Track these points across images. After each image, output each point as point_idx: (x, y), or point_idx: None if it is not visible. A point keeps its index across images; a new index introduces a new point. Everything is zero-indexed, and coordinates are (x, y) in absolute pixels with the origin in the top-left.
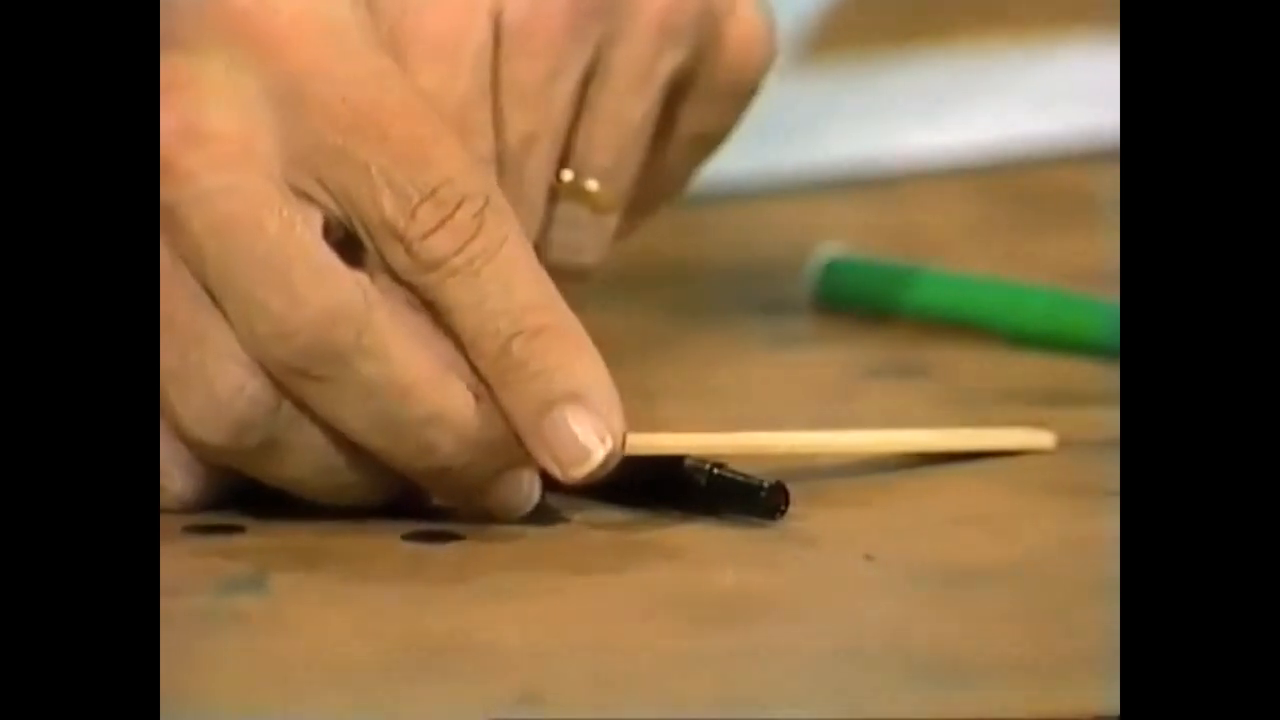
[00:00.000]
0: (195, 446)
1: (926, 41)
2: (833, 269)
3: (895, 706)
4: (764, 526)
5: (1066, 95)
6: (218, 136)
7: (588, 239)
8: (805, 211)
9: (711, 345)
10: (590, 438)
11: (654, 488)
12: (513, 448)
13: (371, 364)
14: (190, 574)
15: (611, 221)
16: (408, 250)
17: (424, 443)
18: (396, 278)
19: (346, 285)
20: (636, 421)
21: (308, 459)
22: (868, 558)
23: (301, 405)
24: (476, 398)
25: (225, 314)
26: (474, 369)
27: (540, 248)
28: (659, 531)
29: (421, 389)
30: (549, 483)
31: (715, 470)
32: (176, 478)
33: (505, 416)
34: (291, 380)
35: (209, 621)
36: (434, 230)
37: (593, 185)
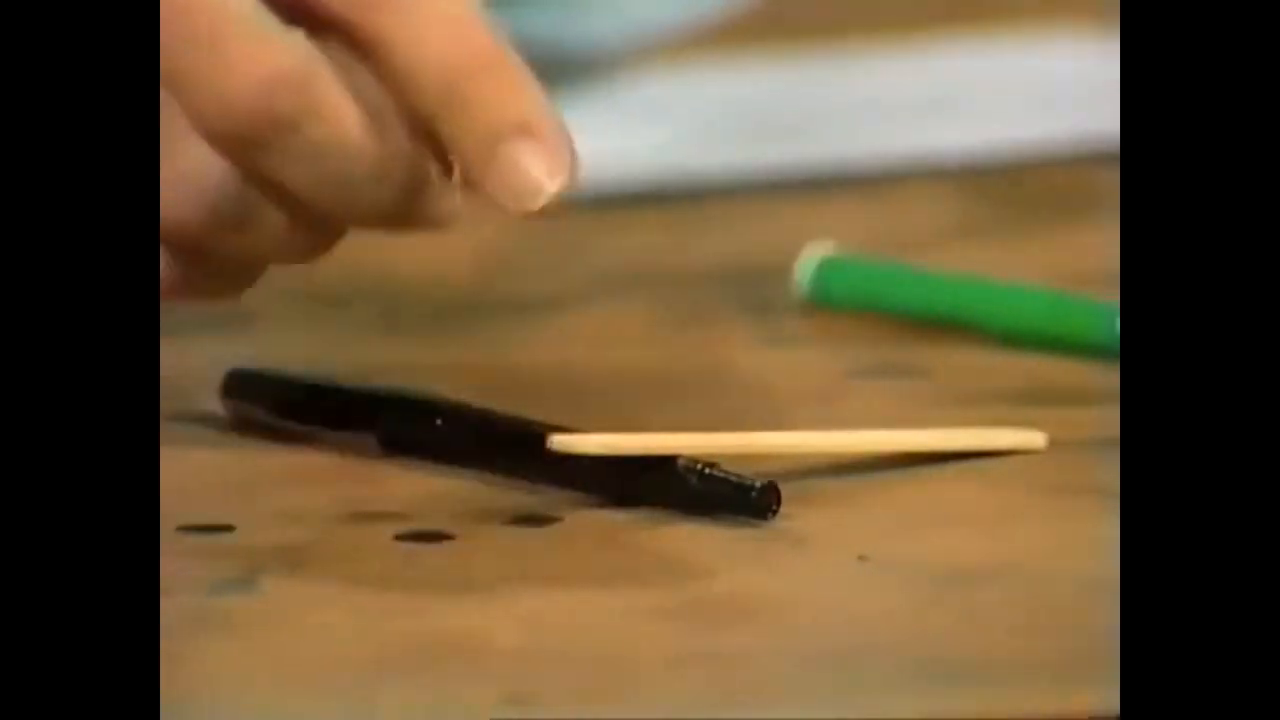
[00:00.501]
0: (171, 229)
1: (919, 40)
2: (823, 268)
3: (890, 707)
4: (756, 527)
5: (1058, 95)
6: None
7: None
8: (796, 211)
9: (702, 345)
10: (542, 170)
11: (646, 488)
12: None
13: (319, 126)
14: (180, 574)
15: None
16: None
17: (372, 196)
18: (332, 23)
19: (287, 49)
20: (627, 422)
21: (277, 230)
22: (860, 558)
23: (254, 175)
24: (414, 137)
25: (174, 97)
26: (411, 107)
27: None
28: (650, 532)
29: (370, 146)
30: (544, 482)
31: (706, 470)
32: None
33: (451, 150)
34: (242, 151)
35: (199, 622)
36: None
37: None
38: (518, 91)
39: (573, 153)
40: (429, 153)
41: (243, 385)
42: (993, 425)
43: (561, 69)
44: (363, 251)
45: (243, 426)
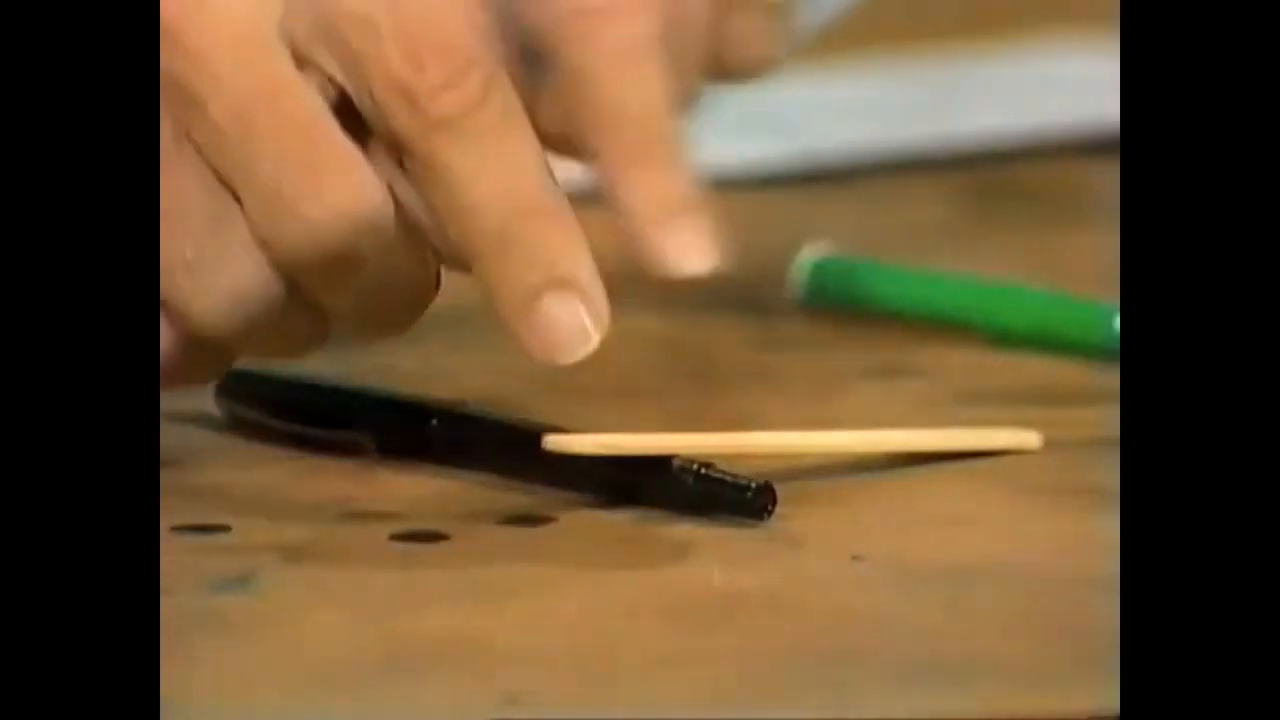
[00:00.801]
0: (197, 333)
1: (914, 40)
2: (819, 269)
3: (885, 707)
4: (752, 526)
5: (1053, 91)
6: (224, 3)
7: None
8: (791, 211)
9: (698, 345)
10: (581, 327)
11: (642, 488)
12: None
13: (383, 269)
14: (177, 573)
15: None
16: (414, 106)
17: (393, 317)
18: (391, 145)
19: (371, 186)
20: (624, 423)
21: (292, 338)
22: (855, 558)
23: (298, 294)
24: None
25: (241, 202)
26: (456, 240)
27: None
28: (646, 531)
29: (411, 284)
30: (540, 483)
31: (703, 470)
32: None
33: (488, 291)
34: (302, 275)
35: (196, 621)
36: (444, 89)
37: None
38: (563, 242)
39: (607, 312)
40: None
41: (239, 386)
42: (988, 425)
43: None
44: None
45: (238, 427)
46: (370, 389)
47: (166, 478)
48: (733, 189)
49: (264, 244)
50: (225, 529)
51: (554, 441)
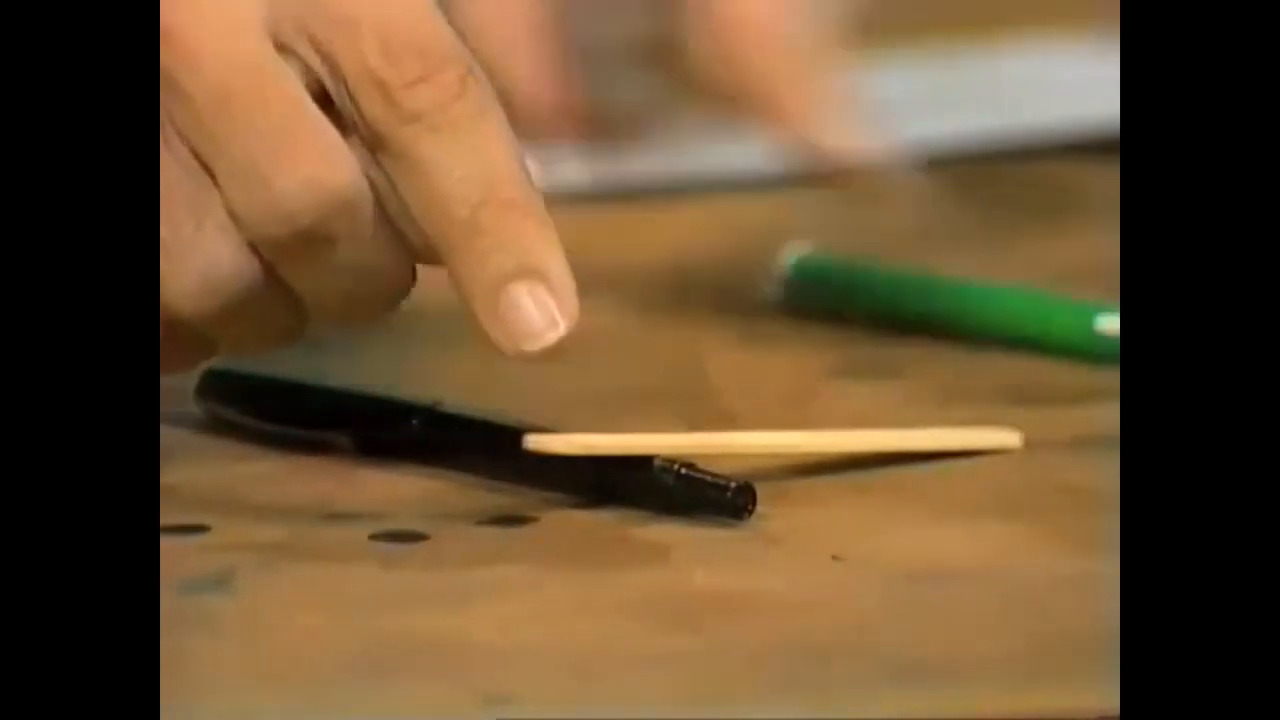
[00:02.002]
0: (173, 316)
1: (896, 40)
2: (800, 268)
3: (864, 706)
4: (732, 526)
5: (1044, 91)
6: None
7: None
8: (773, 210)
9: (679, 345)
10: (549, 316)
11: (622, 488)
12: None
13: (354, 248)
14: None
15: None
16: (388, 98)
17: (368, 308)
18: (367, 139)
19: (350, 168)
20: (605, 422)
21: (270, 327)
22: (835, 557)
23: (271, 276)
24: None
25: (219, 186)
26: (427, 232)
27: None
28: (627, 531)
29: (386, 269)
30: (520, 482)
31: (683, 470)
32: None
33: (456, 281)
34: (274, 252)
35: (175, 621)
36: (418, 82)
37: None
38: (534, 234)
39: (575, 305)
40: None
41: (218, 386)
42: (968, 425)
43: None
44: None
45: (218, 427)
46: (350, 388)
47: None
48: (714, 188)
49: (238, 220)
50: (204, 529)
51: (535, 441)
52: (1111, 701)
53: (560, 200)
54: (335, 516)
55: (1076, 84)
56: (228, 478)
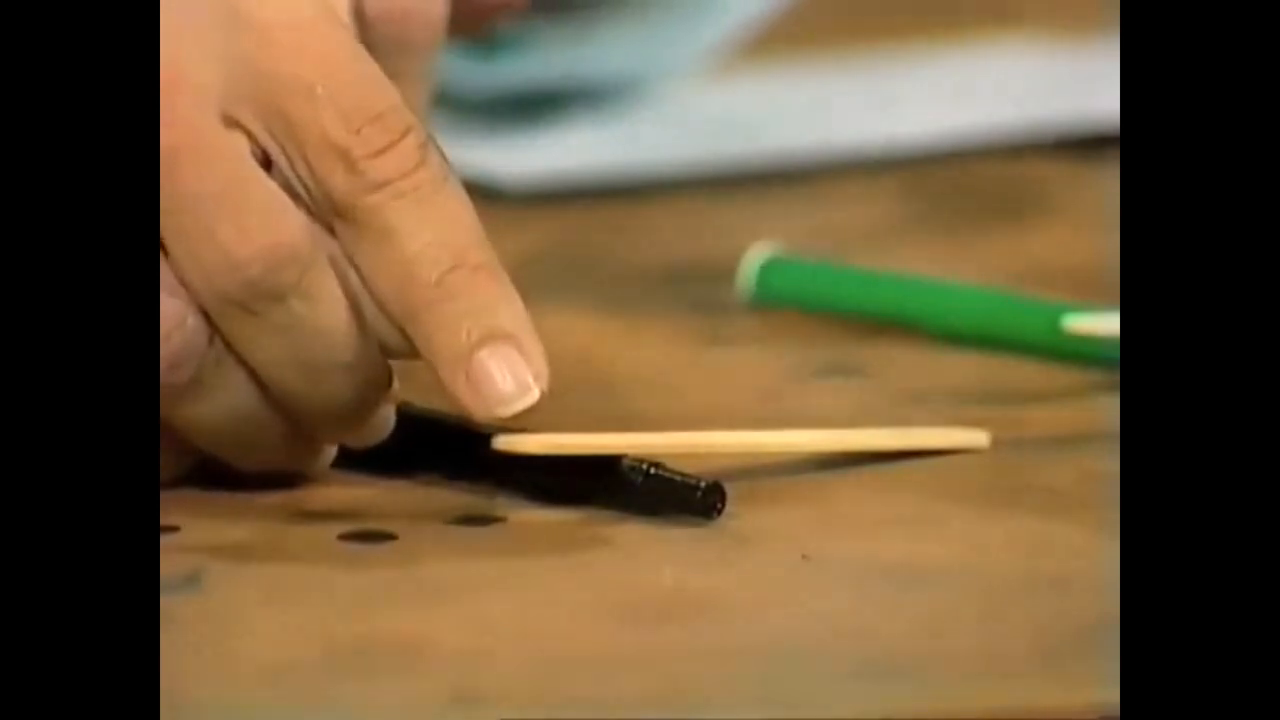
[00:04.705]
0: None
1: (860, 39)
2: (768, 268)
3: (834, 705)
4: (701, 526)
5: (1000, 90)
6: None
7: None
8: (740, 210)
9: (647, 344)
10: (522, 379)
11: (591, 487)
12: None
13: (305, 305)
14: None
15: None
16: (351, 169)
17: (332, 387)
18: (328, 209)
19: (297, 223)
20: (573, 421)
21: (224, 400)
22: (804, 557)
23: (226, 341)
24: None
25: (165, 249)
26: (392, 303)
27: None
28: (596, 531)
29: (343, 335)
30: (488, 484)
31: (652, 470)
32: None
33: (425, 350)
34: (225, 313)
35: None
36: (381, 151)
37: None
38: (499, 296)
39: (546, 367)
40: (387, 364)
41: None
42: (936, 425)
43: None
44: None
45: None
46: None
47: None
48: (682, 187)
49: (187, 283)
50: (174, 529)
51: (503, 441)
52: (1086, 698)
53: (525, 200)
54: (304, 516)
55: (1033, 83)
56: (197, 477)
